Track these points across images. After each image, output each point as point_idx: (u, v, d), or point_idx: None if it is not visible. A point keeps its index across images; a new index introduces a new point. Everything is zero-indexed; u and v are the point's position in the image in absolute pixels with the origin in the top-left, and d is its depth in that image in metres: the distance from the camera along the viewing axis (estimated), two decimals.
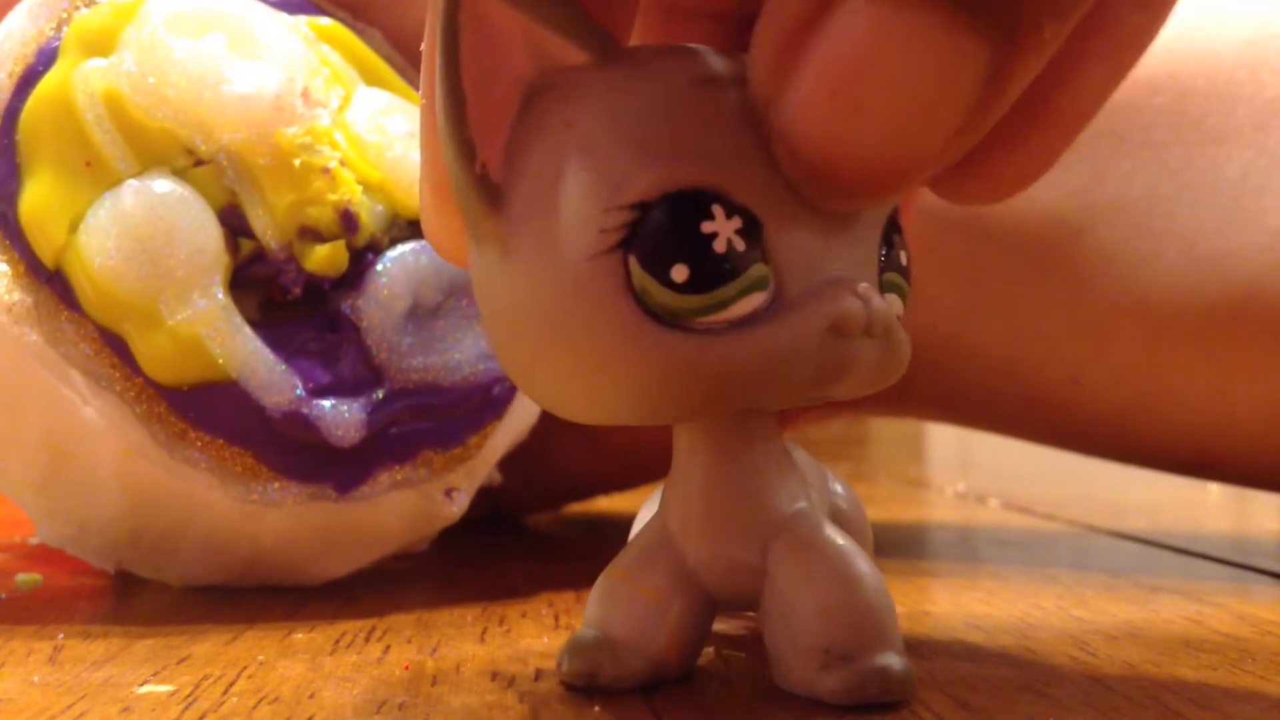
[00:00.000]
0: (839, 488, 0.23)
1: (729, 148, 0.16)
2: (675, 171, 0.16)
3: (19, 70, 0.26)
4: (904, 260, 0.18)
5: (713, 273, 0.16)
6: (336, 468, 0.26)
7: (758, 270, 0.16)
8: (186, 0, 0.27)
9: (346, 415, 0.26)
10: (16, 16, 0.27)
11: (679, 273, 0.16)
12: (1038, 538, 0.41)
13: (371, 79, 0.29)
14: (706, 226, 0.16)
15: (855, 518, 0.23)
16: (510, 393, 0.28)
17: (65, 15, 0.27)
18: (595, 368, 0.16)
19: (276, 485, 0.26)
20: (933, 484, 0.65)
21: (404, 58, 0.30)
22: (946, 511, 0.51)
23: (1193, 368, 0.31)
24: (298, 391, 0.26)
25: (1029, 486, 0.60)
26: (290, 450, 0.26)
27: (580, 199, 0.16)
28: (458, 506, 0.28)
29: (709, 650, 0.22)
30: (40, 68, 0.26)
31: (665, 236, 0.16)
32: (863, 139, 0.15)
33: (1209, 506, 0.53)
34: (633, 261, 0.16)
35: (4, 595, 0.28)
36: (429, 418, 0.27)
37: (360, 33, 0.30)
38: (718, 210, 0.16)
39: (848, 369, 0.17)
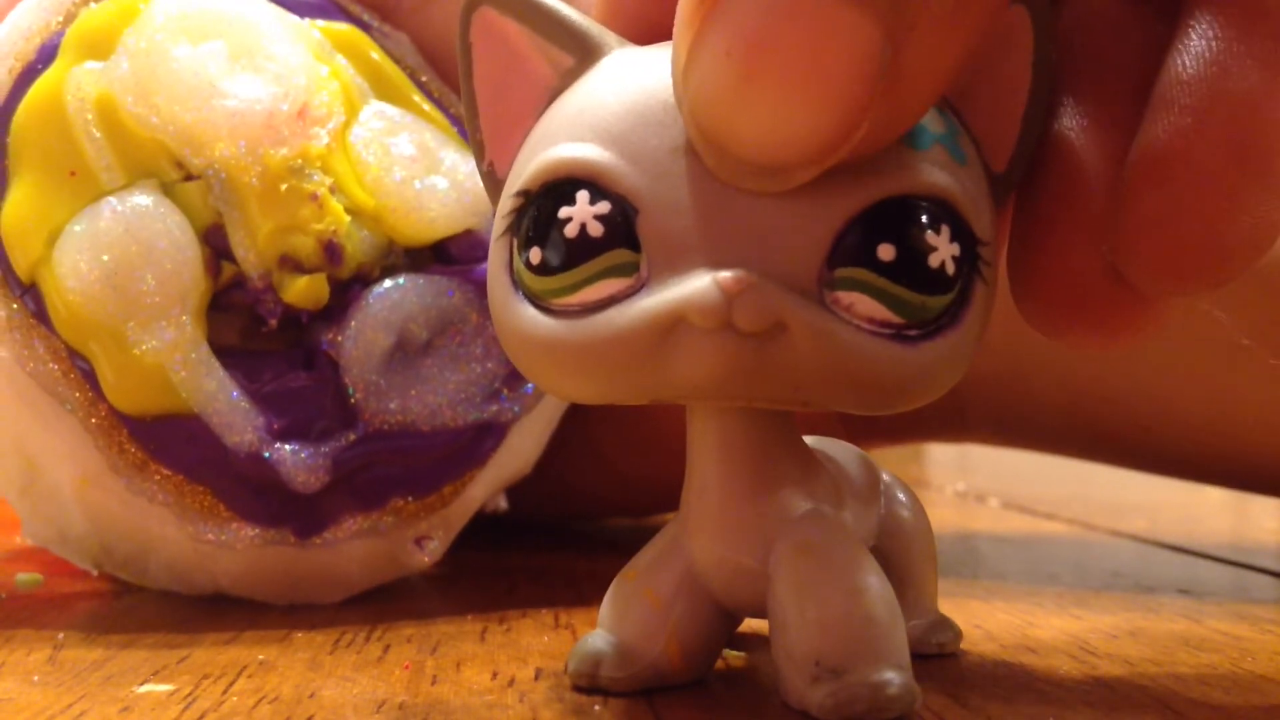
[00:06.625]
0: (902, 495, 0.22)
1: (643, 139, 0.16)
2: (557, 163, 0.16)
3: (19, 67, 0.25)
4: (908, 259, 0.16)
5: (562, 256, 0.16)
6: (298, 512, 0.25)
7: (617, 256, 0.16)
8: (192, 1, 0.25)
9: (309, 461, 0.25)
10: (25, 8, 0.26)
11: (534, 255, 0.16)
12: (1038, 538, 0.41)
13: (384, 91, 0.27)
14: (563, 212, 0.16)
15: (916, 528, 0.22)
16: (496, 442, 0.27)
17: (73, 10, 0.25)
18: (501, 338, 0.18)
19: (234, 526, 0.25)
20: (933, 483, 0.65)
21: (430, 63, 0.29)
22: (946, 511, 0.50)
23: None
24: (261, 433, 0.25)
25: (1029, 486, 0.60)
26: (251, 491, 0.25)
27: (506, 189, 0.17)
28: (429, 556, 0.27)
29: None
30: (40, 65, 0.25)
31: (529, 221, 0.17)
32: (755, 107, 0.15)
33: (1209, 506, 0.53)
34: (515, 244, 0.17)
35: (4, 595, 0.28)
36: (402, 462, 0.26)
37: (385, 37, 0.28)
38: (581, 197, 0.16)
39: (696, 361, 0.15)
